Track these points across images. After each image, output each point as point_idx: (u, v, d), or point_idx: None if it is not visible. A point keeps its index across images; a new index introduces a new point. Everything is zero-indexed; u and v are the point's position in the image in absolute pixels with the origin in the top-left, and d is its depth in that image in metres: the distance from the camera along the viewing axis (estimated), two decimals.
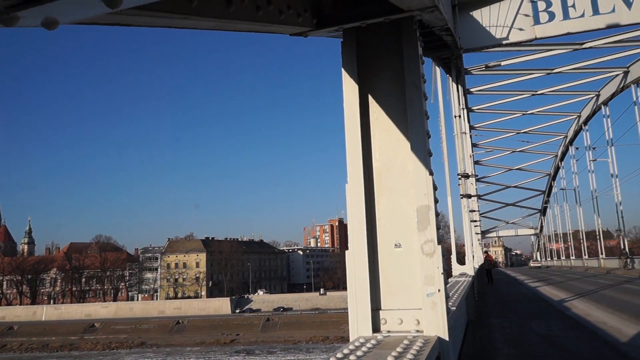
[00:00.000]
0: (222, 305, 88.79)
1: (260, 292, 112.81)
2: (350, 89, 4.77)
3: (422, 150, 4.53)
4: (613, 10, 15.45)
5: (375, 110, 4.82)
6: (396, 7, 4.28)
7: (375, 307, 4.55)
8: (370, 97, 4.85)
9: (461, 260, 19.20)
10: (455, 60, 17.74)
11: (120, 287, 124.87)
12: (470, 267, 16.92)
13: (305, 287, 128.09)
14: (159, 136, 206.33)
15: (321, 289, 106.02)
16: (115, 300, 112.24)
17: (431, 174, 4.53)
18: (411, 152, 4.56)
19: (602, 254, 43.41)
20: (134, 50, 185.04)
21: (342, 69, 4.83)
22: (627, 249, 40.68)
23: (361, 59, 4.87)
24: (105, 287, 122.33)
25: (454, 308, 6.32)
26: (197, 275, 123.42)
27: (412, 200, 4.53)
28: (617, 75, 28.94)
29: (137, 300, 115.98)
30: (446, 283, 4.42)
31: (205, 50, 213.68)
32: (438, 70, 17.62)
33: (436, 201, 4.51)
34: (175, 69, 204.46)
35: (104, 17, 2.09)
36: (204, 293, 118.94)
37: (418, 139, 4.55)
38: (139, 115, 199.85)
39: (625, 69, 27.87)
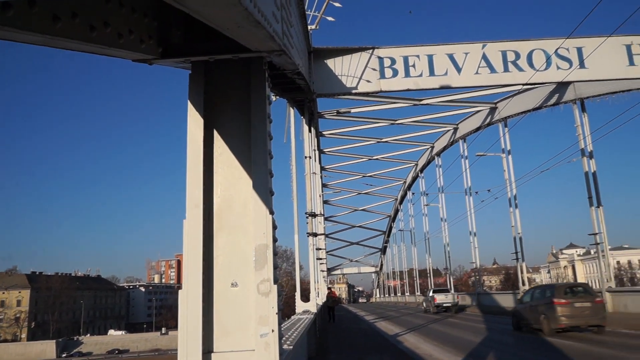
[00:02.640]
0: (45, 349, 79.21)
1: (120, 332, 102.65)
2: (195, 121, 4.65)
3: (264, 189, 4.55)
4: (446, 74, 17.64)
5: (220, 145, 4.75)
6: (245, 47, 4.33)
7: (207, 349, 4.36)
8: (215, 132, 4.77)
9: (306, 297, 19.56)
10: (309, 103, 18.57)
11: None
12: (314, 304, 17.30)
13: (145, 326, 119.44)
14: None
15: (162, 329, 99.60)
16: None
17: (272, 212, 4.55)
18: (253, 190, 4.55)
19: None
20: None
21: (188, 101, 4.71)
22: (428, 288, 46.36)
23: (209, 93, 4.80)
24: None
25: (291, 347, 6.34)
26: (18, 315, 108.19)
27: (252, 239, 4.50)
28: (448, 130, 32.73)
29: None
30: (280, 323, 4.41)
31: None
32: (292, 111, 18.21)
33: (275, 240, 4.53)
34: None
35: None
36: (24, 335, 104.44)
37: (260, 178, 4.57)
38: None
39: (455, 126, 31.68)
